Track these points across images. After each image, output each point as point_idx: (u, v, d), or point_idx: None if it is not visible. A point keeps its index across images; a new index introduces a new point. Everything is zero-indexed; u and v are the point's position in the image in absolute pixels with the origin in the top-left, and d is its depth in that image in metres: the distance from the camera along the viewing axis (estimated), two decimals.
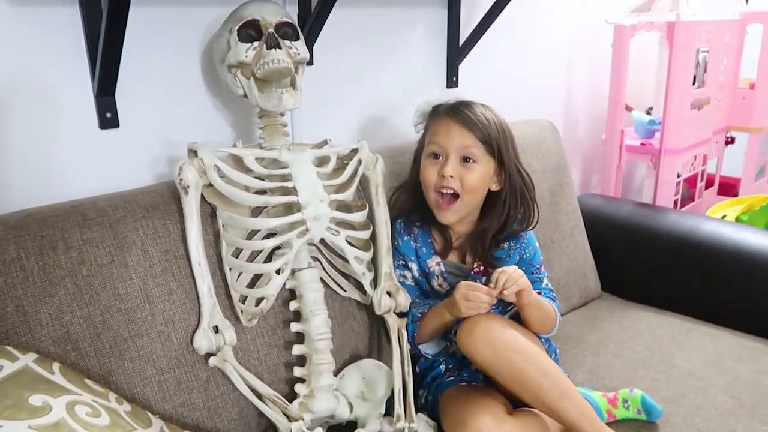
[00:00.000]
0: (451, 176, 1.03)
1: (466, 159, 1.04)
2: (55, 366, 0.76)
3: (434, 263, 1.10)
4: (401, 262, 1.12)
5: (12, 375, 0.70)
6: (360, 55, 1.34)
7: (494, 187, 1.09)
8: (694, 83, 1.75)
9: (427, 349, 1.09)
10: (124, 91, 1.02)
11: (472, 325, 0.94)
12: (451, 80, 1.54)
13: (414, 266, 1.11)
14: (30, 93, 0.95)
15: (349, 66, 1.33)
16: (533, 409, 1.01)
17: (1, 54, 0.91)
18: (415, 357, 1.11)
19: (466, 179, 1.04)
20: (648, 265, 1.49)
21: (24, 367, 0.72)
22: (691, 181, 1.96)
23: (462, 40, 1.50)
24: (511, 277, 0.97)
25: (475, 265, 1.09)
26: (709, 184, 2.06)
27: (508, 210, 1.09)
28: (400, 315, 1.09)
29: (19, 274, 0.82)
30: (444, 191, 1.05)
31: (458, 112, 1.05)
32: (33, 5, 0.92)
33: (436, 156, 1.06)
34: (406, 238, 1.11)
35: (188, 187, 0.91)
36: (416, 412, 0.98)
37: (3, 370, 0.70)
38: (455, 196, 1.05)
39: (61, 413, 0.66)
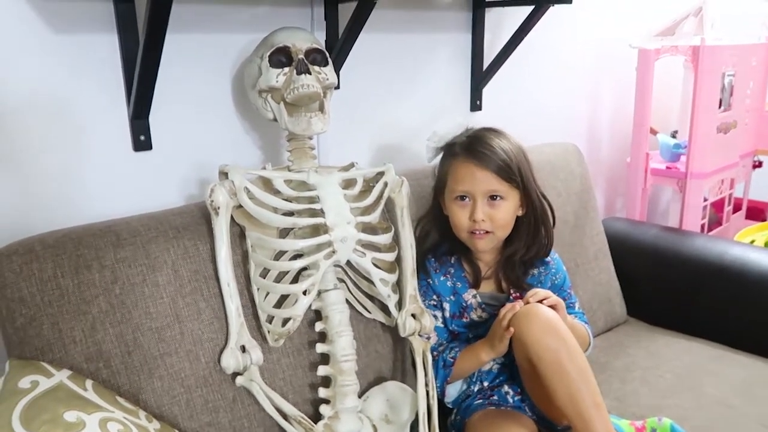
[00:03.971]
0: (483, 220, 1.04)
1: (493, 197, 1.05)
2: (88, 383, 0.78)
3: (470, 296, 1.11)
4: (433, 303, 1.12)
5: (48, 391, 0.71)
6: (386, 79, 1.37)
7: (519, 213, 1.10)
8: (720, 107, 1.74)
9: (451, 390, 1.09)
10: (157, 115, 1.05)
11: (531, 307, 0.97)
12: (475, 104, 1.55)
13: (448, 306, 1.11)
14: (68, 115, 0.98)
15: (375, 90, 1.35)
16: None
17: (43, 78, 0.95)
18: None
19: (496, 217, 1.05)
20: (675, 290, 1.47)
21: (59, 384, 0.74)
22: (718, 206, 1.93)
23: (486, 64, 1.52)
24: (539, 293, 1.00)
25: (512, 292, 1.10)
26: (736, 208, 2.03)
27: (531, 233, 1.10)
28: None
29: (55, 291, 0.85)
30: (477, 232, 1.05)
31: (477, 153, 1.04)
32: (74, 32, 0.96)
33: (462, 197, 1.06)
34: (442, 278, 1.11)
35: (219, 208, 0.93)
36: None
37: (40, 385, 0.72)
38: (487, 232, 1.06)
39: (95, 429, 0.67)
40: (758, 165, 2.01)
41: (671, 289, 1.48)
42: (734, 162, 1.85)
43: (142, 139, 1.06)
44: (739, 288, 1.37)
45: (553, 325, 0.94)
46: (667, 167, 1.81)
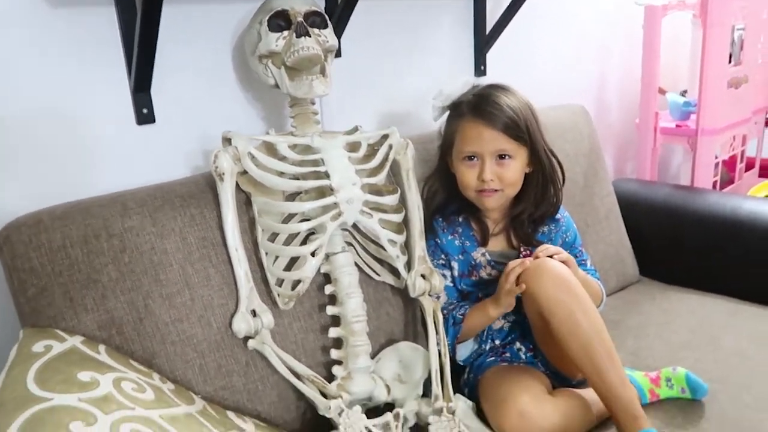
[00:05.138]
0: (492, 179, 1.03)
1: (501, 156, 1.04)
2: (101, 347, 0.79)
3: (479, 254, 1.10)
4: (442, 262, 1.11)
5: (61, 354, 0.72)
6: (387, 45, 1.35)
7: (527, 171, 1.09)
8: (730, 61, 1.70)
9: (462, 350, 1.09)
10: (159, 88, 1.05)
11: (541, 262, 0.96)
12: (479, 68, 1.54)
13: (456, 264, 1.11)
14: (69, 91, 0.98)
15: (376, 56, 1.34)
16: (574, 390, 1.01)
17: (41, 54, 0.94)
18: None
19: (505, 176, 1.04)
20: (688, 247, 1.46)
21: (72, 347, 0.75)
22: (730, 164, 1.91)
23: (489, 27, 1.50)
24: (549, 248, 1.00)
25: (522, 248, 1.09)
26: (749, 166, 2.00)
27: (540, 191, 1.09)
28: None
29: (65, 261, 0.85)
30: (485, 190, 1.05)
31: (484, 112, 1.03)
32: (71, 6, 0.96)
33: (470, 158, 1.05)
34: (450, 237, 1.11)
35: (223, 174, 0.93)
36: (454, 392, 0.97)
37: (53, 349, 0.73)
38: (496, 190, 1.05)
39: (109, 388, 0.68)
40: None
41: (685, 247, 1.46)
42: (746, 118, 1.82)
43: (144, 113, 1.05)
44: (754, 241, 1.35)
45: (565, 279, 0.94)
46: (677, 125, 1.78)
